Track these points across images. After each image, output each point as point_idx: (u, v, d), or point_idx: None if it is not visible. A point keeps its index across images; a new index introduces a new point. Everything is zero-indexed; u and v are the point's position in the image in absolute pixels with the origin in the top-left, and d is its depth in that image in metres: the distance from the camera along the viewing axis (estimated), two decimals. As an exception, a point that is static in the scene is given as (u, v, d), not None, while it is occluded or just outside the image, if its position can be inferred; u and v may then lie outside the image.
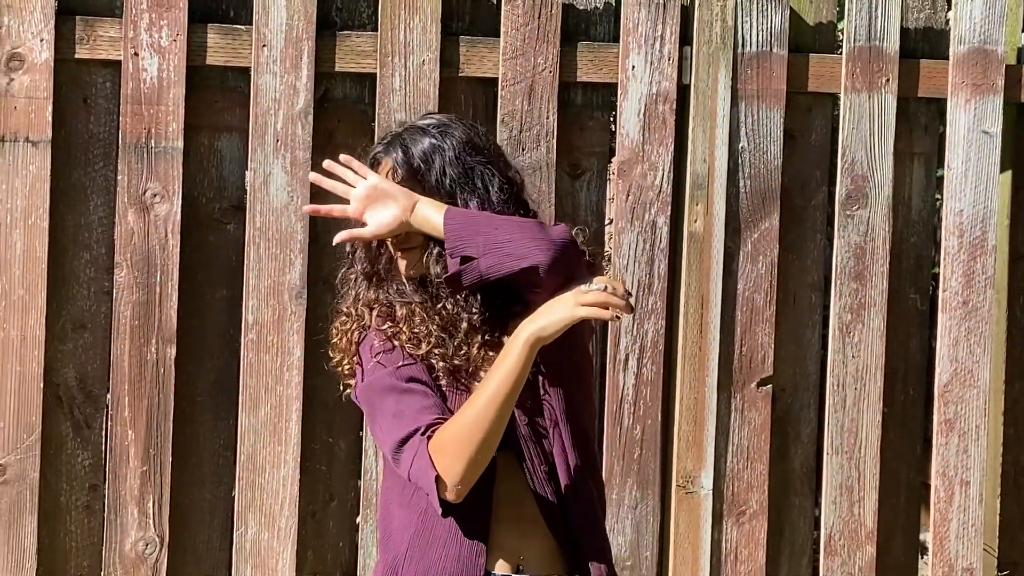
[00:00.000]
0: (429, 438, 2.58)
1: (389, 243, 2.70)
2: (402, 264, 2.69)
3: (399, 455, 2.60)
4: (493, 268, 2.56)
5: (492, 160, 2.68)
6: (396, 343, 2.65)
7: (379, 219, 2.64)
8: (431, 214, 2.62)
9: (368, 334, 2.69)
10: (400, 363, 2.64)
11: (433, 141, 2.67)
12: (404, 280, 2.69)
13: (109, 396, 3.41)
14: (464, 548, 2.64)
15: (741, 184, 3.62)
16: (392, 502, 2.70)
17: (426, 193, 2.64)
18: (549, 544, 2.67)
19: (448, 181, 2.64)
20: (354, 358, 2.70)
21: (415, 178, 2.65)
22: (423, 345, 2.64)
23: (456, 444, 2.57)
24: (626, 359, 3.57)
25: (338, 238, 2.70)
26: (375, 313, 2.69)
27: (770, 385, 3.66)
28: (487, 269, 2.57)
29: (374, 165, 2.72)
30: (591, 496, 2.70)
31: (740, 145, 3.62)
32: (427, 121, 2.71)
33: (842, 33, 3.71)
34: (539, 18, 3.50)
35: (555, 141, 3.51)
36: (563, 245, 2.56)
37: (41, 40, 3.32)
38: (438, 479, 2.56)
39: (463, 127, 2.70)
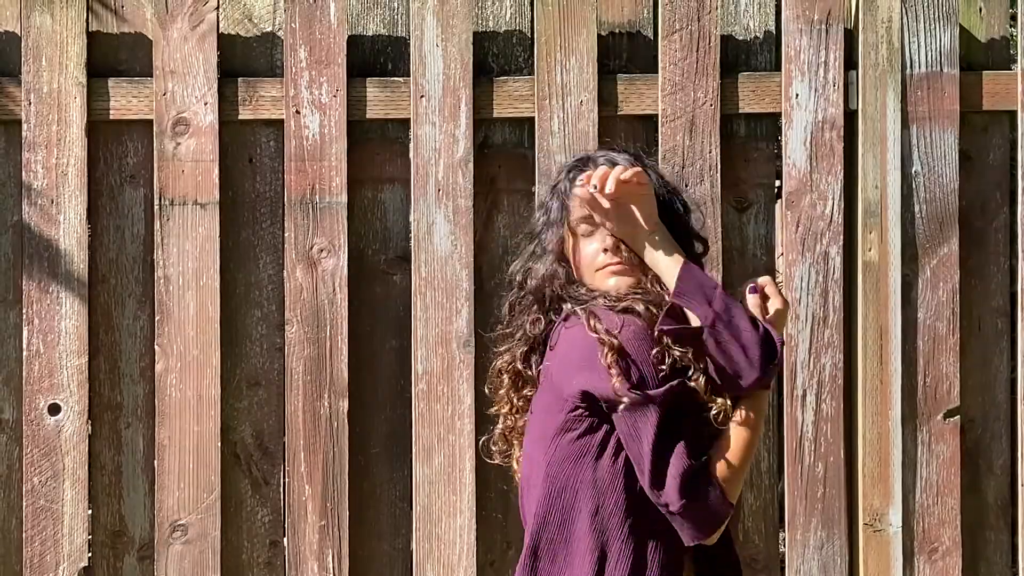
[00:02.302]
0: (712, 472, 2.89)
1: (607, 240, 2.99)
2: (622, 279, 2.99)
3: (675, 486, 2.87)
4: (710, 352, 2.88)
5: (679, 197, 3.06)
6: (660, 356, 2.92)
7: (622, 216, 2.98)
8: (662, 251, 2.95)
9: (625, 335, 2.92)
10: (666, 381, 2.91)
11: (643, 167, 3.03)
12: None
13: (285, 452, 3.71)
14: None
15: (916, 209, 3.79)
16: (581, 520, 2.93)
17: None
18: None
19: (673, 207, 3.04)
20: (618, 359, 2.91)
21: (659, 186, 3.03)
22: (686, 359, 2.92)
23: (736, 480, 2.89)
24: (803, 395, 3.75)
25: (581, 189, 2.99)
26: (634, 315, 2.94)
27: (958, 416, 3.80)
28: (707, 348, 2.87)
29: (582, 170, 3.06)
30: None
31: (913, 169, 3.78)
32: (625, 154, 3.07)
33: (1016, 46, 3.86)
34: (697, 51, 3.73)
35: (719, 175, 3.73)
36: (770, 372, 2.90)
37: (205, 104, 3.65)
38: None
39: (652, 163, 3.10)
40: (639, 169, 2.98)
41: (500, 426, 3.14)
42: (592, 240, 3.01)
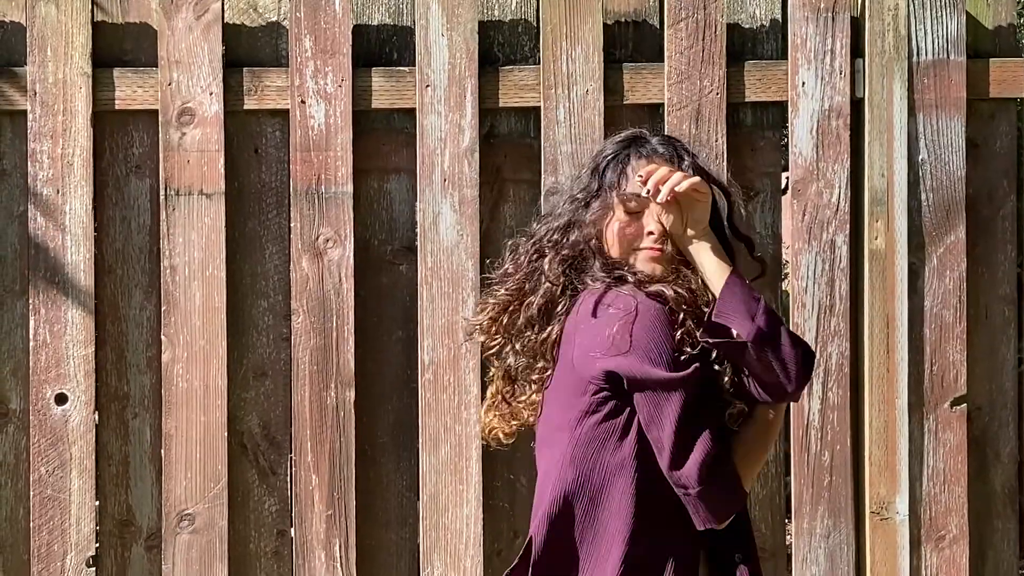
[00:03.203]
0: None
1: (654, 224, 3.03)
2: (653, 264, 3.03)
3: (695, 469, 2.93)
4: (750, 366, 2.94)
5: (731, 199, 3.10)
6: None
7: (671, 213, 3.02)
8: (707, 259, 3.00)
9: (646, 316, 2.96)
10: (688, 364, 2.96)
11: (701, 170, 3.07)
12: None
13: (292, 442, 3.77)
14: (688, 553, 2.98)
15: (923, 197, 3.84)
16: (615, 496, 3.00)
17: None
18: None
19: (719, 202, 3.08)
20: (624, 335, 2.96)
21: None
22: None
23: (752, 472, 2.98)
24: (810, 384, 3.81)
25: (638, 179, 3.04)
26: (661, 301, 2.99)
27: (965, 404, 3.86)
28: (748, 361, 2.93)
29: (623, 160, 3.08)
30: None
31: (920, 157, 3.84)
32: (682, 149, 3.09)
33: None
34: (703, 40, 3.78)
35: (725, 164, 3.78)
36: (802, 388, 2.97)
37: (210, 94, 3.70)
38: None
39: (705, 161, 3.13)
40: (697, 180, 3.00)
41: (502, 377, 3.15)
42: (638, 218, 3.04)
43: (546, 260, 3.05)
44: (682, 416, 2.91)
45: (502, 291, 3.10)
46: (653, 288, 2.97)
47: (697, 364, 2.93)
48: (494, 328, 3.10)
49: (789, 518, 3.88)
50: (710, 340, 2.92)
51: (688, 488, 2.91)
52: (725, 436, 2.98)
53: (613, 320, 2.94)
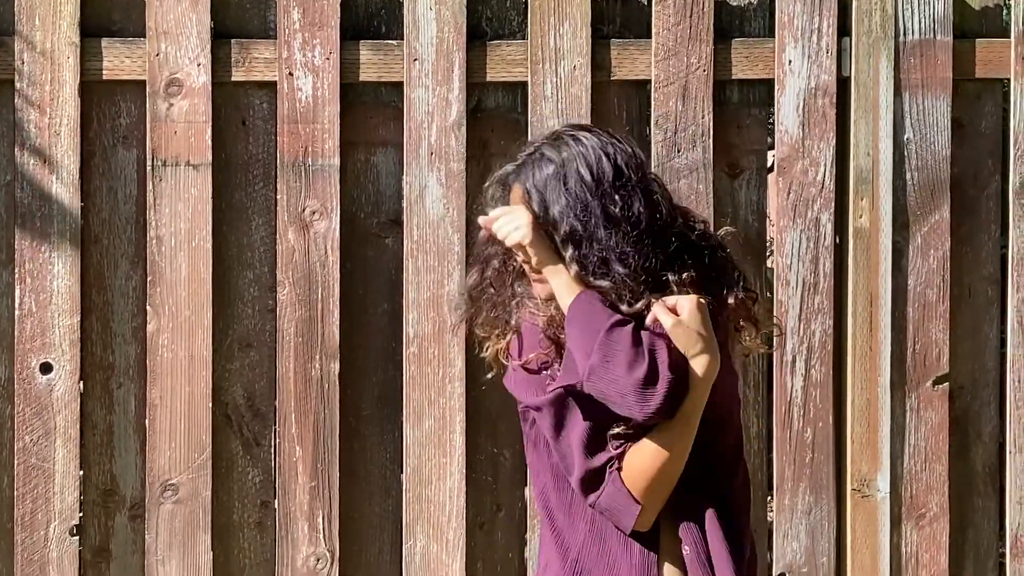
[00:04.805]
0: (619, 469, 2.95)
1: (524, 265, 3.03)
2: (537, 288, 3.03)
3: (578, 484, 2.97)
4: (595, 395, 2.91)
5: (624, 186, 2.96)
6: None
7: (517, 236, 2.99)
8: (561, 290, 2.95)
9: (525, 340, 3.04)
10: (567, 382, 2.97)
11: (557, 170, 2.98)
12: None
13: (276, 413, 3.82)
14: (637, 556, 3.00)
15: (908, 176, 3.91)
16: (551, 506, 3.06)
17: (545, 225, 2.96)
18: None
19: (568, 223, 2.94)
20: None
21: (542, 209, 2.98)
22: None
23: (643, 482, 2.94)
24: (793, 360, 3.87)
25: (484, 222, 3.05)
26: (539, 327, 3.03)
27: (947, 383, 3.93)
28: (589, 391, 2.92)
29: (506, 185, 3.07)
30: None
31: (905, 136, 3.90)
32: (553, 148, 3.01)
33: (1010, 14, 3.97)
34: (691, 17, 3.84)
35: (711, 141, 3.84)
36: (659, 411, 2.88)
37: (198, 65, 3.76)
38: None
39: (592, 149, 2.99)
40: (504, 234, 2.97)
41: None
42: None
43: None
44: (556, 436, 2.96)
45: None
46: (516, 317, 3.03)
47: (559, 389, 2.94)
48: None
49: (771, 494, 3.94)
50: (550, 390, 2.95)
51: (588, 502, 2.98)
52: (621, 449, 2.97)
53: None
